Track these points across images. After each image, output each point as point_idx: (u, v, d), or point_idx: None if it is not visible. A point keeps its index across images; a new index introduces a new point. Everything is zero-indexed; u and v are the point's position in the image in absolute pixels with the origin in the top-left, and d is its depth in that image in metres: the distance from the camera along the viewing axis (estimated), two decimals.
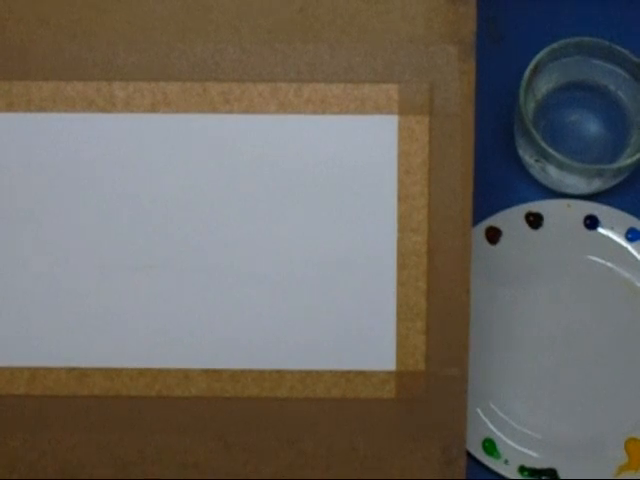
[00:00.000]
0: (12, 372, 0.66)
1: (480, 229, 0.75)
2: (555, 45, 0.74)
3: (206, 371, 0.66)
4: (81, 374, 0.66)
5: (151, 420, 0.66)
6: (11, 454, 0.67)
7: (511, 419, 0.72)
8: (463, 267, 0.65)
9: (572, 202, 0.76)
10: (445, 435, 0.66)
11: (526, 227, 0.76)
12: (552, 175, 0.75)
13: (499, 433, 0.72)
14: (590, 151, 0.77)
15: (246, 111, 0.64)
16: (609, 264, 0.75)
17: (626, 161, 0.73)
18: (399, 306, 0.65)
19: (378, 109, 0.64)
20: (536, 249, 0.76)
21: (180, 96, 0.64)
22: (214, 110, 0.64)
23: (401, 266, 0.65)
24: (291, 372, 0.65)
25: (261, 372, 0.66)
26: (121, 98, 0.64)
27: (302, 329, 0.65)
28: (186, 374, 0.66)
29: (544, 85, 0.76)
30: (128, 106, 0.64)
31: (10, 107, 0.64)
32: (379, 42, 0.64)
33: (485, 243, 0.75)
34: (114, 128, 0.65)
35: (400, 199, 0.65)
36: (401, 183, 0.64)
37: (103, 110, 0.64)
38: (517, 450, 0.72)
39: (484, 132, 0.71)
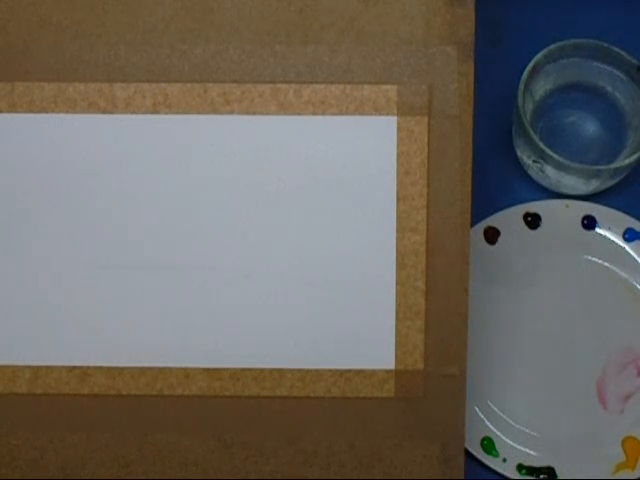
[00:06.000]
0: (13, 371, 0.66)
1: (479, 229, 0.75)
2: (553, 47, 0.75)
3: (207, 370, 0.66)
4: (82, 373, 0.66)
5: (152, 419, 0.66)
6: (12, 452, 0.67)
7: (509, 418, 0.73)
8: (461, 267, 0.65)
9: (570, 202, 0.76)
10: (443, 433, 0.66)
11: (524, 227, 0.76)
12: (550, 176, 0.75)
13: (497, 432, 0.72)
14: (588, 152, 0.77)
15: (246, 112, 0.65)
16: (607, 264, 0.76)
17: (623, 162, 0.73)
18: (398, 305, 0.65)
19: (377, 110, 0.64)
20: (534, 249, 0.76)
21: (181, 97, 0.64)
22: (214, 111, 0.65)
23: (400, 266, 0.65)
24: (291, 371, 0.66)
25: (261, 371, 0.66)
26: (122, 99, 0.64)
27: (302, 328, 0.66)
28: (187, 373, 0.66)
29: (542, 86, 0.77)
30: (129, 107, 0.65)
31: (12, 108, 0.65)
32: (378, 43, 0.64)
33: (483, 243, 0.75)
34: (115, 129, 0.65)
35: (399, 199, 0.65)
36: (400, 183, 0.65)
37: (104, 111, 0.65)
38: (515, 448, 0.72)
39: (483, 133, 0.71)
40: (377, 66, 0.64)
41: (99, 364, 0.66)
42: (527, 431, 0.72)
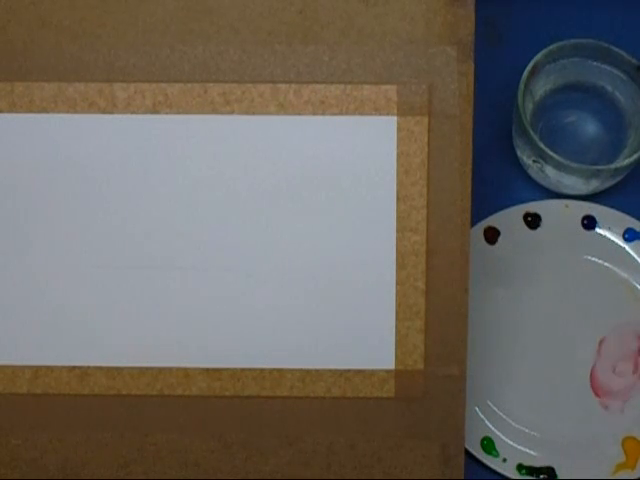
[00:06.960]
0: (14, 371, 0.66)
1: (478, 229, 0.75)
2: (553, 47, 0.75)
3: (207, 370, 0.66)
4: (82, 373, 0.66)
5: (152, 419, 0.66)
6: (12, 452, 0.67)
7: (509, 418, 0.73)
8: (461, 267, 0.65)
9: (570, 202, 0.76)
10: (444, 434, 0.66)
11: (524, 227, 0.76)
12: (550, 176, 0.75)
13: (497, 432, 0.72)
14: (588, 152, 0.77)
15: (246, 112, 0.65)
16: (607, 264, 0.76)
17: (623, 162, 0.73)
18: (398, 305, 0.65)
19: (377, 110, 0.64)
20: (534, 249, 0.76)
21: (181, 97, 0.64)
22: (214, 111, 0.65)
23: (400, 266, 0.65)
24: (291, 371, 0.66)
25: (261, 371, 0.66)
26: (122, 99, 0.64)
27: (302, 328, 0.66)
28: (187, 373, 0.66)
29: (542, 86, 0.77)
30: (129, 107, 0.65)
31: (12, 108, 0.65)
32: (378, 43, 0.64)
33: (483, 243, 0.75)
34: (115, 129, 0.65)
35: (399, 199, 0.65)
36: (400, 183, 0.65)
37: (104, 111, 0.65)
38: (515, 448, 0.72)
39: (483, 133, 0.71)
40: (377, 66, 0.64)
41: (99, 364, 0.66)
42: (527, 431, 0.72)
